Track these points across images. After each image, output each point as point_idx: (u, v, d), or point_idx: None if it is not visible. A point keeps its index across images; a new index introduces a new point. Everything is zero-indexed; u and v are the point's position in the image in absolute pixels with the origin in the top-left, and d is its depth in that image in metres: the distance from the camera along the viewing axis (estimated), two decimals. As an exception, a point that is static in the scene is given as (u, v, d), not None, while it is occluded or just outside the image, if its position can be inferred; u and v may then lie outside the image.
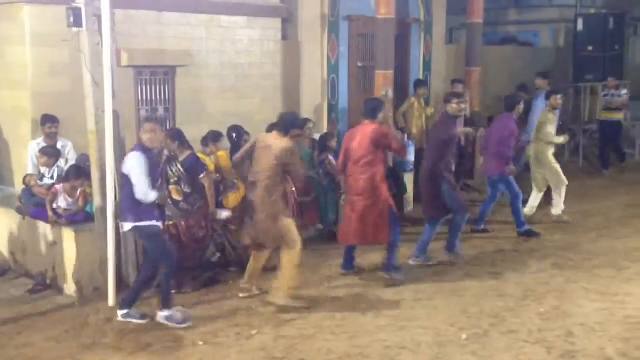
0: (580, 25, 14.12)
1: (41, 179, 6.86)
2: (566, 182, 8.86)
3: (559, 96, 8.92)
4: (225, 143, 7.45)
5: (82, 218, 6.36)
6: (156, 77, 8.32)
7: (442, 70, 11.83)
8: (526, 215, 8.66)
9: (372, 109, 6.57)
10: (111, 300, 5.90)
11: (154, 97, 8.32)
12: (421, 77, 11.25)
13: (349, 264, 6.82)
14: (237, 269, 6.71)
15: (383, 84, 9.56)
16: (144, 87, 8.21)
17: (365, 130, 6.44)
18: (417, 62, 11.40)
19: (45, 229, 6.32)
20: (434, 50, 11.70)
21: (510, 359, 4.96)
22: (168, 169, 6.18)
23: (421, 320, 5.67)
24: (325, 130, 9.57)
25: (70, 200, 6.42)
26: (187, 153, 6.37)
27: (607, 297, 6.15)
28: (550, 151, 8.92)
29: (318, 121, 9.62)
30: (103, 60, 5.98)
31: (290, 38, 9.84)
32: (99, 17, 5.98)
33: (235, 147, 7.22)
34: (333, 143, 8.27)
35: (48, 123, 6.99)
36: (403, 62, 11.08)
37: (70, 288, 6.18)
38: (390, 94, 9.71)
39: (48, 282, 6.32)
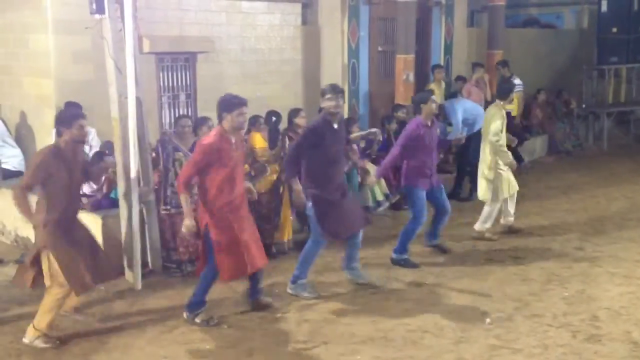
0: (604, 7, 13.91)
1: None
2: (505, 196, 7.50)
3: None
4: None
5: (106, 204, 6.43)
6: (177, 64, 8.36)
7: (463, 53, 11.74)
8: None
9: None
10: (137, 285, 5.97)
11: (175, 84, 8.36)
12: (442, 60, 11.17)
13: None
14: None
15: (404, 68, 9.53)
16: (165, 74, 8.25)
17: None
18: (438, 46, 11.33)
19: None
20: (455, 33, 11.61)
21: (534, 342, 4.95)
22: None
23: (444, 305, 5.67)
24: (345, 115, 9.54)
25: (94, 186, 6.49)
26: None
27: (632, 281, 6.09)
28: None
29: (339, 106, 9.59)
30: (125, 47, 6.00)
31: (310, 23, 9.82)
32: (121, 4, 5.99)
33: (273, 131, 7.25)
34: (355, 128, 8.23)
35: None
36: (424, 46, 11.02)
37: (96, 273, 6.25)
38: (411, 78, 9.68)
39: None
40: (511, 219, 7.66)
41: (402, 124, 8.98)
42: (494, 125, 7.18)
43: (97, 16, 6.13)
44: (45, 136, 7.40)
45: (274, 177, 6.96)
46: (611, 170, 10.94)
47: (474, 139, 9.12)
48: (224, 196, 5.08)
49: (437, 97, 10.08)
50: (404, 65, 9.52)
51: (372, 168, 8.11)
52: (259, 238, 5.41)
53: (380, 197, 8.26)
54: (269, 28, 9.20)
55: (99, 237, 6.20)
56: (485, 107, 10.10)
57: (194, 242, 6.14)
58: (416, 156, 6.59)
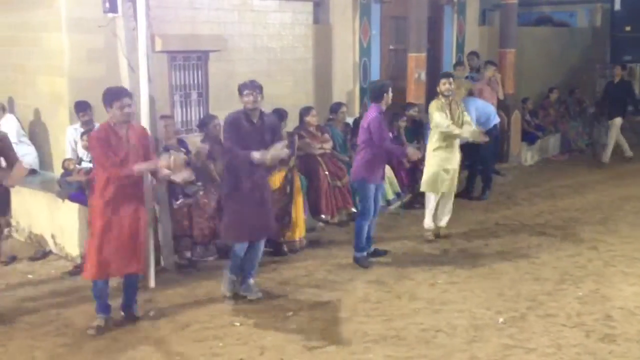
0: (617, 5, 13.81)
1: (79, 163, 6.97)
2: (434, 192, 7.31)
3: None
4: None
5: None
6: (189, 62, 8.36)
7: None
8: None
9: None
10: (151, 282, 5.99)
11: (187, 82, 8.37)
12: (454, 58, 11.12)
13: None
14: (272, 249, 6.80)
15: (415, 67, 9.49)
16: (177, 72, 8.27)
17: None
18: (450, 44, 11.29)
19: (84, 212, 6.41)
20: (467, 31, 11.57)
21: (548, 342, 4.92)
22: None
23: (456, 304, 5.65)
24: (357, 114, 9.54)
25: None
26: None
27: (647, 281, 6.06)
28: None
29: (350, 105, 9.59)
30: (138, 45, 6.02)
31: (321, 21, 9.80)
32: (134, 3, 6.02)
33: None
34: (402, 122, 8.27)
35: (80, 112, 7.10)
36: (436, 44, 10.98)
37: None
38: (423, 76, 9.64)
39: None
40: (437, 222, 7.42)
41: (413, 122, 8.97)
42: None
43: (110, 15, 6.16)
44: (59, 134, 7.45)
45: (283, 174, 6.98)
46: (624, 169, 10.87)
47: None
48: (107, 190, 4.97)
49: (459, 96, 10.03)
50: (416, 64, 9.47)
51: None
52: (141, 242, 5.12)
53: (391, 196, 8.25)
54: (281, 26, 9.19)
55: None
56: (498, 106, 10.11)
57: (207, 224, 6.35)
58: (372, 148, 6.38)
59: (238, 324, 5.27)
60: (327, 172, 7.70)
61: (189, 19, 8.20)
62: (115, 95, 5.01)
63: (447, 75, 7.47)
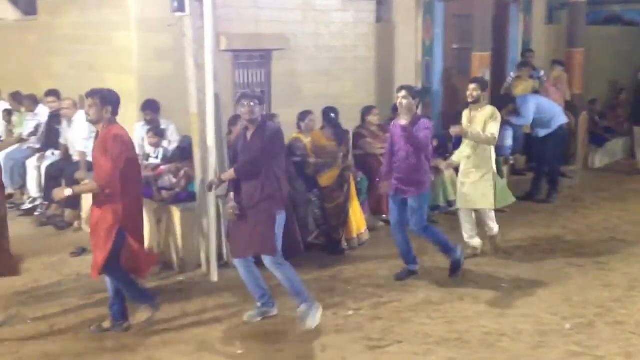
0: (691, 3, 13.23)
1: (147, 159, 7.14)
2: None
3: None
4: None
5: (185, 197, 6.57)
6: (252, 61, 8.46)
7: (541, 51, 11.38)
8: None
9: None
10: (214, 276, 6.08)
11: (250, 81, 8.47)
12: (519, 58, 10.88)
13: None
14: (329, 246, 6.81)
15: (480, 67, 9.32)
16: (240, 71, 8.37)
17: None
18: (515, 43, 11.05)
19: (151, 206, 6.57)
20: (534, 30, 11.29)
21: (617, 350, 4.76)
22: None
23: (521, 308, 5.52)
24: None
25: (174, 180, 6.67)
26: None
27: None
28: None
29: (412, 104, 9.49)
30: (205, 44, 6.12)
31: (384, 20, 9.75)
32: (201, 2, 6.12)
33: (337, 126, 7.27)
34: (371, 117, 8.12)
35: (147, 110, 7.28)
36: (500, 44, 10.76)
37: (174, 264, 6.41)
38: (487, 76, 9.46)
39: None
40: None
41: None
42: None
43: (178, 14, 6.29)
44: (128, 131, 7.61)
45: (335, 172, 7.00)
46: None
47: (552, 139, 8.89)
48: None
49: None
50: (480, 63, 9.30)
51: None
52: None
53: (452, 197, 8.12)
54: (343, 25, 9.19)
55: (177, 230, 6.38)
56: (565, 107, 9.84)
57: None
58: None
59: (298, 320, 5.29)
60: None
61: (252, 18, 8.29)
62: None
63: (473, 80, 6.85)
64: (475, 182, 6.61)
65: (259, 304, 5.28)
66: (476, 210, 6.78)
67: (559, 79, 10.08)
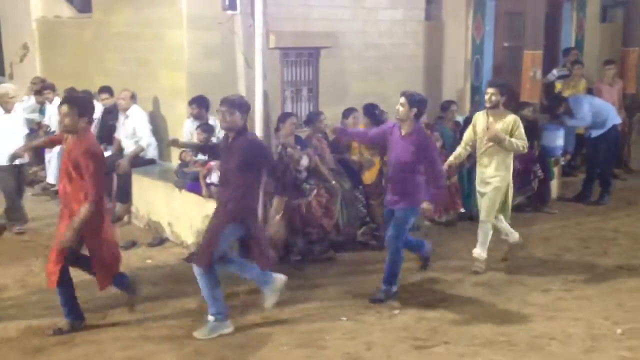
0: None
1: (196, 155, 7.24)
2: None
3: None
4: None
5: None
6: (301, 59, 8.50)
7: (595, 50, 11.15)
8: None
9: None
10: (259, 272, 6.13)
11: (298, 78, 8.51)
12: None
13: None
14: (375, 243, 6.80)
15: (531, 65, 9.17)
16: (289, 69, 8.42)
17: None
18: (568, 42, 10.84)
19: (199, 202, 6.66)
20: (587, 29, 11.05)
21: (672, 358, 4.62)
22: None
23: (572, 312, 5.40)
24: (467, 112, 9.34)
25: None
26: None
27: None
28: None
29: (461, 103, 9.41)
30: (255, 42, 6.17)
31: (433, 18, 9.68)
32: (251, 0, 6.17)
33: (377, 124, 7.25)
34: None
35: (193, 104, 7.39)
36: (553, 42, 10.56)
37: (221, 259, 6.48)
38: (539, 75, 9.31)
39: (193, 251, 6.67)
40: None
41: (528, 123, 8.64)
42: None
43: (229, 12, 6.37)
44: (178, 127, 7.77)
45: (377, 168, 7.04)
46: None
47: (604, 140, 8.67)
48: None
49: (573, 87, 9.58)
50: (532, 62, 9.14)
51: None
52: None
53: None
54: (392, 23, 9.15)
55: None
56: (619, 107, 9.58)
57: (320, 223, 6.49)
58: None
59: (345, 318, 5.29)
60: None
61: (301, 16, 8.32)
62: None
63: (492, 84, 6.36)
64: (492, 193, 6.20)
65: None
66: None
67: (611, 78, 9.81)
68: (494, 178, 6.19)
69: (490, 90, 6.16)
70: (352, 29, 8.79)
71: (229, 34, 7.29)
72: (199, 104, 7.43)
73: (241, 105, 4.94)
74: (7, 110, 7.18)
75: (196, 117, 7.43)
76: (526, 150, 6.36)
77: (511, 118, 6.21)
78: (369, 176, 7.18)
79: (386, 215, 5.84)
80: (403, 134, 5.53)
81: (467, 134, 6.46)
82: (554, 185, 8.75)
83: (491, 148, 6.17)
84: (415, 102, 5.53)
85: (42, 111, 9.22)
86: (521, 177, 8.21)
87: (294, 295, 5.68)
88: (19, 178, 7.34)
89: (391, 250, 5.61)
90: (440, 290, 5.86)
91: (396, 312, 5.41)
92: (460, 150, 6.53)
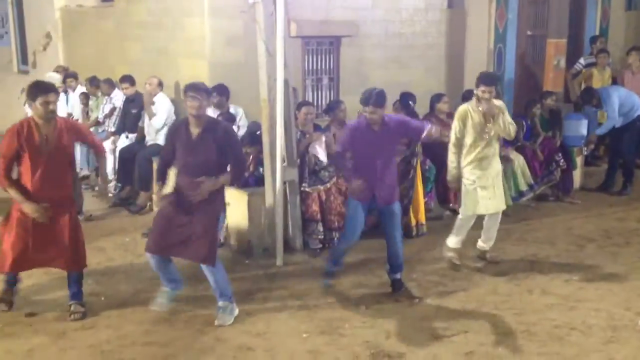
0: None
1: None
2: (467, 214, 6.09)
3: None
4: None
5: (253, 181, 6.68)
6: (322, 47, 8.48)
7: (620, 38, 10.99)
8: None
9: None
10: (279, 260, 6.18)
11: (319, 67, 8.50)
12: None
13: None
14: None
15: (555, 54, 9.08)
16: (310, 57, 8.41)
17: None
18: (592, 30, 10.68)
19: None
20: (612, 16, 10.89)
21: (696, 350, 4.57)
22: None
23: (593, 302, 5.37)
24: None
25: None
26: None
27: None
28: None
29: (482, 92, 9.31)
30: (276, 30, 6.17)
31: (456, 6, 9.60)
32: (273, -12, 6.16)
33: (411, 114, 7.25)
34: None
35: (214, 93, 7.40)
36: (577, 30, 10.42)
37: (241, 247, 6.53)
38: (563, 64, 9.21)
39: (221, 240, 6.71)
40: (482, 244, 6.28)
41: (551, 112, 8.57)
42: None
43: (250, 0, 6.35)
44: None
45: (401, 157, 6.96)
46: None
47: (628, 130, 8.56)
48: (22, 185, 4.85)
49: (602, 84, 9.43)
50: (555, 51, 9.05)
51: (516, 157, 7.82)
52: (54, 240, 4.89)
53: (523, 188, 7.94)
54: (414, 12, 9.09)
55: (244, 214, 6.49)
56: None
57: (338, 210, 6.46)
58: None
59: (364, 307, 5.31)
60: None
61: (322, 4, 8.30)
62: (41, 92, 4.75)
63: (489, 82, 5.83)
64: (496, 185, 6.03)
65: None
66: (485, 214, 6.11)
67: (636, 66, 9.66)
68: (494, 172, 6.02)
69: (488, 89, 5.79)
70: (374, 18, 8.75)
71: (250, 23, 7.29)
72: (220, 93, 7.45)
73: (207, 91, 4.90)
74: None
75: (217, 105, 7.46)
76: (514, 135, 6.18)
77: (499, 103, 6.00)
78: None
79: (354, 211, 5.40)
80: (376, 129, 5.30)
81: (459, 134, 5.95)
82: (577, 175, 8.65)
83: (492, 138, 5.96)
84: (381, 102, 5.27)
85: (64, 100, 9.32)
86: (544, 167, 8.16)
87: (315, 283, 5.71)
88: None
89: (400, 245, 5.52)
90: (460, 280, 5.85)
91: (415, 301, 5.41)
92: (455, 159, 5.99)
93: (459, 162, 5.99)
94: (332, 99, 8.37)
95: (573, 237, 6.95)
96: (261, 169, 6.56)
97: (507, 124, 5.92)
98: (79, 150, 8.65)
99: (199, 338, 4.79)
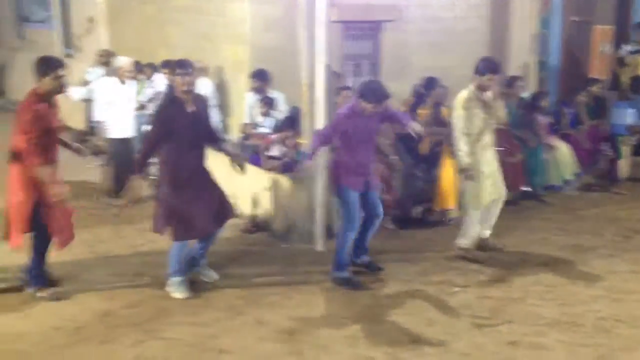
0: None
1: (255, 128, 7.29)
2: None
3: None
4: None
5: (294, 166, 6.67)
6: (362, 32, 8.41)
7: (668, 25, 10.62)
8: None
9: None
10: (319, 246, 6.17)
11: (359, 52, 8.43)
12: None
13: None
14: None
15: (601, 40, 8.85)
16: (350, 42, 8.34)
17: None
18: (638, 17, 10.35)
19: (260, 174, 6.72)
20: (662, 2, 10.54)
21: None
22: None
23: (639, 294, 5.24)
24: (533, 89, 9.08)
25: (283, 149, 6.77)
26: None
27: None
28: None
29: (526, 79, 9.14)
30: (316, 15, 6.12)
31: (499, -10, 9.40)
32: (315, -27, 6.10)
33: (419, 99, 7.19)
34: (544, 103, 7.81)
35: (255, 78, 7.40)
36: (623, 16, 10.13)
37: (280, 231, 6.54)
38: (608, 50, 8.97)
39: (260, 223, 6.74)
40: (486, 231, 6.14)
41: (596, 99, 8.37)
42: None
43: (292, -16, 6.33)
44: (239, 99, 7.83)
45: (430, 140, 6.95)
46: None
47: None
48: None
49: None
50: (601, 37, 8.83)
51: (561, 145, 7.67)
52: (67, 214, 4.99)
53: (569, 176, 7.79)
54: (456, -5, 8.95)
55: (285, 199, 6.49)
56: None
57: (383, 197, 6.36)
58: (344, 149, 5.36)
59: (403, 294, 5.27)
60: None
61: (363, -12, 8.21)
62: (55, 64, 4.87)
63: (495, 70, 5.72)
64: (496, 170, 5.93)
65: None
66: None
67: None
68: (491, 159, 5.89)
69: (495, 77, 5.72)
70: (414, 2, 8.63)
71: (290, 7, 7.26)
72: (261, 78, 7.45)
73: (192, 66, 5.07)
74: (123, 83, 7.33)
75: (257, 90, 7.46)
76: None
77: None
78: (424, 146, 7.08)
79: (354, 199, 5.36)
80: (366, 114, 5.25)
81: (467, 121, 5.69)
82: (624, 165, 8.45)
83: (492, 125, 5.87)
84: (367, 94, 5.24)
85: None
86: (589, 156, 7.99)
87: (354, 269, 5.69)
88: (129, 151, 7.32)
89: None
90: (502, 270, 5.76)
91: (456, 289, 5.35)
92: (467, 147, 5.69)
93: (470, 150, 5.73)
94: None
95: (619, 228, 6.79)
96: (301, 154, 6.55)
97: (502, 110, 5.87)
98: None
99: (239, 319, 4.82)
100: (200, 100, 5.16)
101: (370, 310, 4.99)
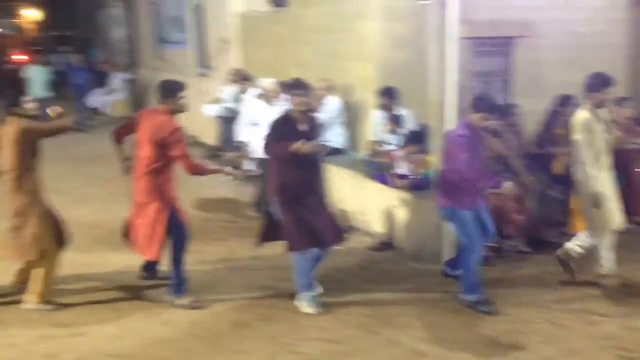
0: None
1: (383, 145, 7.27)
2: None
3: None
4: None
5: (421, 184, 6.58)
6: (493, 48, 8.20)
7: None
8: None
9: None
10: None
11: (489, 68, 8.22)
12: None
13: None
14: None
15: None
16: (479, 59, 8.15)
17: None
18: None
19: (387, 192, 6.68)
20: None
21: None
22: None
23: None
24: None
25: (410, 166, 6.71)
26: None
27: None
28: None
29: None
30: (446, 31, 6.04)
31: (643, 4, 8.86)
32: (443, -11, 6.04)
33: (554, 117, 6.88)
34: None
35: (383, 95, 7.36)
36: None
37: (408, 250, 6.47)
38: None
39: (388, 241, 6.70)
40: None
41: None
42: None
43: (421, 2, 6.28)
44: (366, 116, 7.86)
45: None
46: None
47: None
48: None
49: None
50: None
51: None
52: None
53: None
54: (594, 10, 8.51)
55: (413, 217, 6.42)
56: None
57: (514, 217, 6.24)
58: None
59: (541, 321, 5.03)
60: None
61: (494, 3, 8.01)
62: (177, 88, 5.22)
63: (611, 83, 5.58)
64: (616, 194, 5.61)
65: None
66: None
67: None
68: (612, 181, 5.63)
69: (610, 91, 5.62)
70: (549, 17, 8.30)
71: (418, 24, 7.22)
72: (388, 95, 7.44)
73: (309, 87, 5.28)
74: (269, 104, 7.50)
75: (385, 107, 7.45)
76: None
77: None
78: (557, 166, 6.76)
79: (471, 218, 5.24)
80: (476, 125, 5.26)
81: (589, 146, 5.44)
82: None
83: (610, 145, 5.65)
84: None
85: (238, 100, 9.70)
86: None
87: (488, 292, 5.48)
88: None
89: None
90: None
91: (601, 318, 5.04)
92: (595, 173, 5.47)
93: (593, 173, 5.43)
94: (504, 102, 8.05)
95: None
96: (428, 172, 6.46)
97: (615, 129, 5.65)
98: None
99: (371, 338, 4.79)
100: (314, 122, 5.31)
101: (506, 336, 4.80)
